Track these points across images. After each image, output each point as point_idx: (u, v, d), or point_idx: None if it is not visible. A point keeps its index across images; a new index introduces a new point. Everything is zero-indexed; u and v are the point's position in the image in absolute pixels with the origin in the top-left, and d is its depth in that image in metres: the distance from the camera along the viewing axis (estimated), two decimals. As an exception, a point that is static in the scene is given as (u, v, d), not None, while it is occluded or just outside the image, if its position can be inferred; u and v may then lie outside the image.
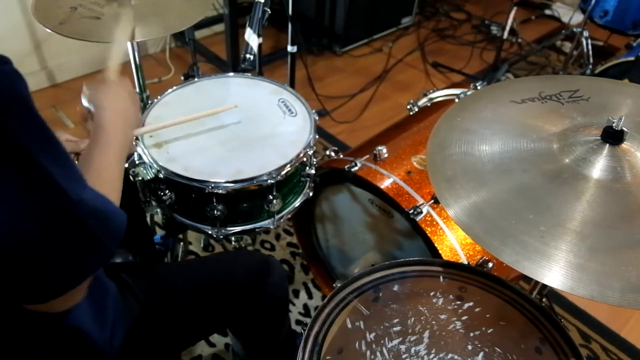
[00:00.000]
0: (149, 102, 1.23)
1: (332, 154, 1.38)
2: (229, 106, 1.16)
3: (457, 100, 1.49)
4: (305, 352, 0.77)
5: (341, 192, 1.34)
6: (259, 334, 1.13)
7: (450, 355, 0.78)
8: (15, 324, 0.67)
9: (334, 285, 0.88)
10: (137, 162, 1.12)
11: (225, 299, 0.99)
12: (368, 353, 0.78)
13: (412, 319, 0.83)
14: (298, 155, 1.11)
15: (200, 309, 0.97)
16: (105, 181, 0.75)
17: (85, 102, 0.90)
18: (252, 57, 1.27)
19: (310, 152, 1.16)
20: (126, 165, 1.00)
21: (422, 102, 1.56)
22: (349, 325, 0.82)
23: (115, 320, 0.85)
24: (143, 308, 0.91)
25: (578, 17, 2.85)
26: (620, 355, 1.54)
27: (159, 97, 1.24)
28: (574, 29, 2.53)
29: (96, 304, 0.81)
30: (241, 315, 1.03)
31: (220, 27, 2.81)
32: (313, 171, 1.20)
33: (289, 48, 1.81)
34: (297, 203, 1.21)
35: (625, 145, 0.77)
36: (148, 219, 1.56)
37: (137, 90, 1.39)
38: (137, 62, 1.33)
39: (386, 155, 1.24)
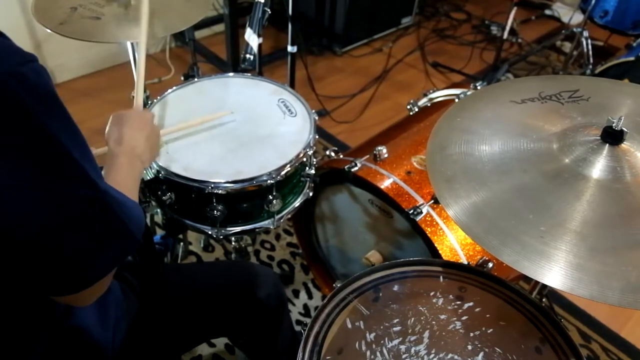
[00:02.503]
0: (149, 102, 1.23)
1: (332, 154, 1.38)
2: (224, 112, 1.17)
3: (457, 100, 1.49)
4: (305, 352, 0.77)
5: (341, 192, 1.34)
6: (259, 344, 1.13)
7: (450, 355, 0.78)
8: (21, 325, 0.67)
9: (334, 285, 0.88)
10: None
11: (220, 304, 0.99)
12: (368, 353, 0.78)
13: (412, 319, 0.83)
14: (298, 155, 1.11)
15: (199, 311, 0.97)
16: None
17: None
18: (252, 57, 1.27)
19: (310, 152, 1.16)
20: None
21: (422, 102, 1.56)
22: (349, 325, 0.82)
23: (117, 319, 0.85)
24: (144, 307, 0.91)
25: (578, 17, 2.85)
26: (620, 355, 1.54)
27: (159, 97, 1.24)
28: (574, 29, 2.53)
29: (98, 302, 0.81)
30: (237, 324, 1.03)
31: (220, 27, 2.81)
32: (313, 171, 1.20)
33: (289, 48, 1.81)
34: (297, 203, 1.21)
35: (625, 145, 0.77)
36: (148, 219, 1.56)
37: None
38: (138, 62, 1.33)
39: (386, 156, 1.24)
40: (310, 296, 1.63)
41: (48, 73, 0.54)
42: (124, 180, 0.81)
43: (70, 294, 0.62)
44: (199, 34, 2.81)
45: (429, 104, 1.55)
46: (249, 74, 1.35)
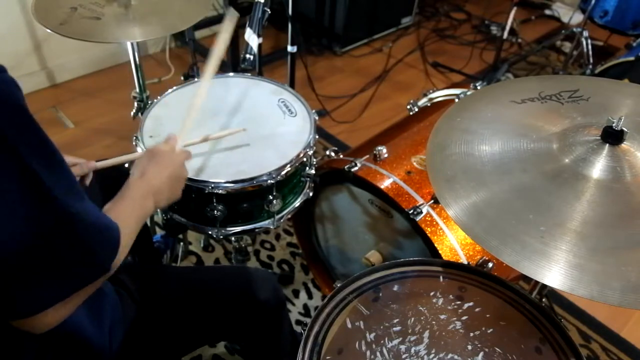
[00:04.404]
0: (149, 102, 1.23)
1: (332, 154, 1.38)
2: (238, 129, 1.14)
3: (457, 100, 1.49)
4: (305, 352, 0.77)
5: (341, 192, 1.34)
6: (259, 348, 1.12)
7: (450, 355, 0.78)
8: (8, 331, 0.66)
9: (334, 285, 0.88)
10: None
11: (219, 309, 0.98)
12: (368, 353, 0.78)
13: (412, 319, 0.83)
14: (298, 155, 1.11)
15: (197, 314, 0.97)
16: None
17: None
18: (252, 57, 1.27)
19: (310, 152, 1.16)
20: (126, 165, 1.00)
21: (422, 102, 1.56)
22: (349, 325, 0.82)
23: (113, 323, 0.85)
24: (141, 310, 0.91)
25: (578, 17, 2.84)
26: (620, 355, 1.54)
27: (159, 97, 1.24)
28: (574, 29, 2.53)
29: (93, 306, 0.80)
30: (237, 328, 1.02)
31: (220, 27, 2.81)
32: (313, 171, 1.20)
33: (289, 48, 1.81)
34: (297, 203, 1.21)
35: (625, 145, 0.77)
36: (148, 219, 1.56)
37: (137, 90, 1.39)
38: (137, 62, 1.33)
39: (386, 155, 1.24)
40: (310, 296, 1.63)
41: (18, 85, 0.52)
42: (127, 216, 0.75)
43: (19, 319, 0.59)
44: (199, 34, 2.80)
45: (429, 104, 1.54)
46: (249, 74, 1.35)
